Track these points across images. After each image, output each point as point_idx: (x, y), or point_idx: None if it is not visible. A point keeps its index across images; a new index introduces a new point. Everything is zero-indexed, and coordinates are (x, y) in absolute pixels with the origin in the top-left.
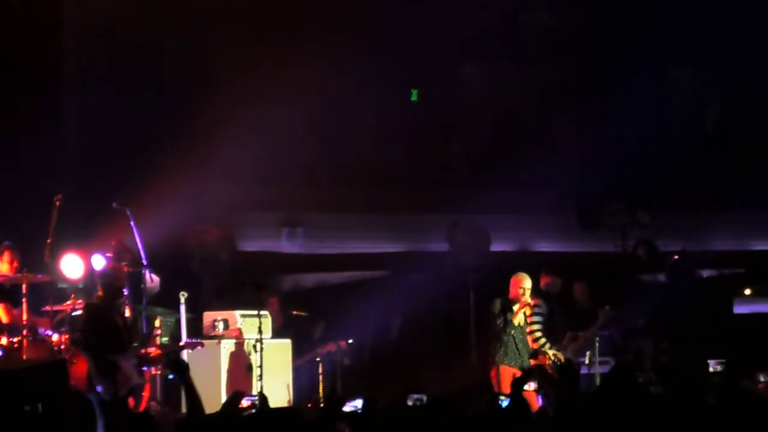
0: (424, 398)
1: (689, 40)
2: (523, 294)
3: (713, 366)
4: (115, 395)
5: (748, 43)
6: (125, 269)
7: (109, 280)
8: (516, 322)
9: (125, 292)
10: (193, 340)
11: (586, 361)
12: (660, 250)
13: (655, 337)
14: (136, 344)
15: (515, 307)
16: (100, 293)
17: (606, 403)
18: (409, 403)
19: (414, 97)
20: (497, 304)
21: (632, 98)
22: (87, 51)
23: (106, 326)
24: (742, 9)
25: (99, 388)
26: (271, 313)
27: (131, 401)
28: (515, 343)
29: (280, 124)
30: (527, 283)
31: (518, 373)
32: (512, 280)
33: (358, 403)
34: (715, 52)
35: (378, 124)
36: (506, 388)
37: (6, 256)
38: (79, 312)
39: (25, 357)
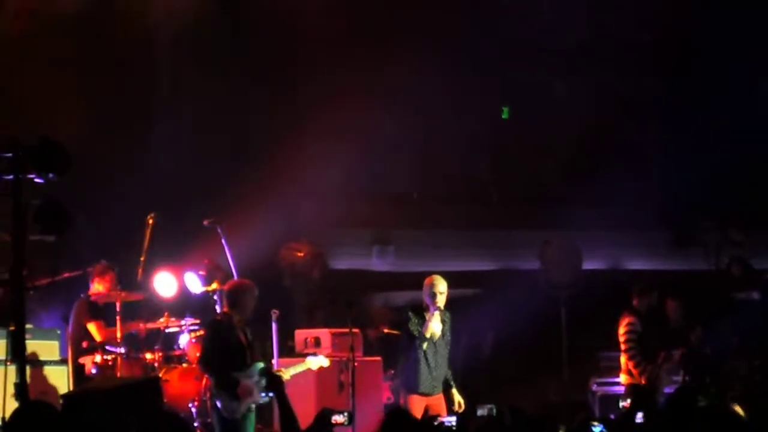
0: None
1: None
2: (435, 300)
3: None
4: (235, 412)
5: None
6: (251, 286)
7: (236, 297)
8: (428, 334)
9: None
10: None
11: (680, 380)
12: (754, 268)
13: (749, 356)
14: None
15: (427, 317)
16: (225, 309)
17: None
18: (479, 413)
19: (505, 115)
20: (406, 313)
21: (724, 114)
22: (178, 71)
23: (229, 342)
24: None
25: (218, 404)
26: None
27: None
28: (427, 362)
29: (371, 141)
30: (442, 286)
31: (431, 404)
32: (424, 284)
33: (452, 419)
34: None
35: (470, 141)
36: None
37: (102, 276)
38: (173, 329)
39: (119, 375)
